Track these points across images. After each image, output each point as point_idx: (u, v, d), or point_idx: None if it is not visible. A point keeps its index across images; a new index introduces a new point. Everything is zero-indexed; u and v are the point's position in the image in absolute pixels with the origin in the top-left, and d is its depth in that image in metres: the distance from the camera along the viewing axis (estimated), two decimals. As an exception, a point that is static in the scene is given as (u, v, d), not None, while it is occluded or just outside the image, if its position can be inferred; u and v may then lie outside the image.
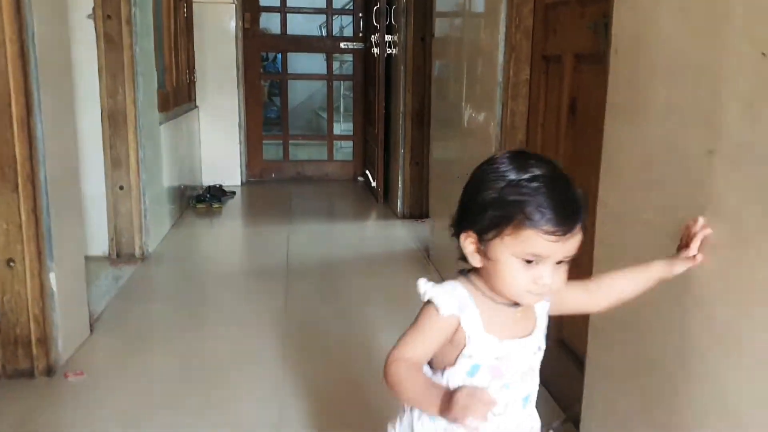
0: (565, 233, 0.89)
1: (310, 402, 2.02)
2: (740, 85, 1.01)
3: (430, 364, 1.02)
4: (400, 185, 4.27)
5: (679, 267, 1.08)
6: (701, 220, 1.07)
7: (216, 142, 5.09)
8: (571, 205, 0.91)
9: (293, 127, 5.85)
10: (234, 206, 4.74)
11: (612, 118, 1.42)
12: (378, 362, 2.33)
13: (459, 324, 0.97)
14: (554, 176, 0.92)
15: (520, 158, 0.94)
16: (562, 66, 1.90)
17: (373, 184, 4.86)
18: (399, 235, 3.99)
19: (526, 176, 0.90)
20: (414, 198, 4.22)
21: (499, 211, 0.91)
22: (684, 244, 1.09)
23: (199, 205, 4.48)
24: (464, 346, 0.97)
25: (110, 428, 1.88)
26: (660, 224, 1.21)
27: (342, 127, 6.80)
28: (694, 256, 1.07)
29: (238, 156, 5.29)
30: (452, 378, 0.99)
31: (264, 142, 5.57)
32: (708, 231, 1.06)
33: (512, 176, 0.91)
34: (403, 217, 4.25)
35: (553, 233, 0.89)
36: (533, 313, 1.05)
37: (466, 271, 1.01)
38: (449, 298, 0.97)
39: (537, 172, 0.91)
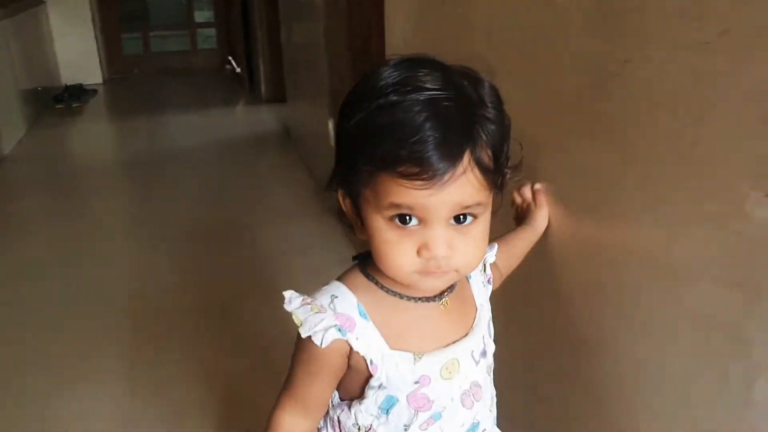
0: (439, 175, 0.58)
1: (172, 269, 2.19)
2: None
3: (338, 390, 0.75)
4: (261, 69, 4.30)
5: (540, 217, 0.89)
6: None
7: (70, 40, 4.91)
8: (454, 130, 0.59)
9: (158, 18, 5.67)
10: (96, 104, 4.65)
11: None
12: (234, 226, 2.43)
13: (351, 348, 0.67)
14: (445, 88, 0.60)
15: (411, 65, 0.63)
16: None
17: (238, 70, 4.87)
18: (263, 118, 4.09)
19: (405, 89, 0.60)
20: (276, 81, 4.25)
21: (355, 148, 0.62)
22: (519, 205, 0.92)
23: (58, 105, 4.38)
24: (369, 375, 0.68)
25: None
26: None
27: (206, 15, 6.60)
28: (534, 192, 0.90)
29: (96, 53, 5.13)
30: (361, 415, 0.71)
31: (124, 36, 5.40)
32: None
33: (387, 89, 0.61)
34: (267, 101, 4.33)
35: (416, 176, 0.58)
36: (470, 298, 0.75)
37: (362, 258, 0.71)
38: (322, 322, 0.66)
39: (424, 83, 0.60)
